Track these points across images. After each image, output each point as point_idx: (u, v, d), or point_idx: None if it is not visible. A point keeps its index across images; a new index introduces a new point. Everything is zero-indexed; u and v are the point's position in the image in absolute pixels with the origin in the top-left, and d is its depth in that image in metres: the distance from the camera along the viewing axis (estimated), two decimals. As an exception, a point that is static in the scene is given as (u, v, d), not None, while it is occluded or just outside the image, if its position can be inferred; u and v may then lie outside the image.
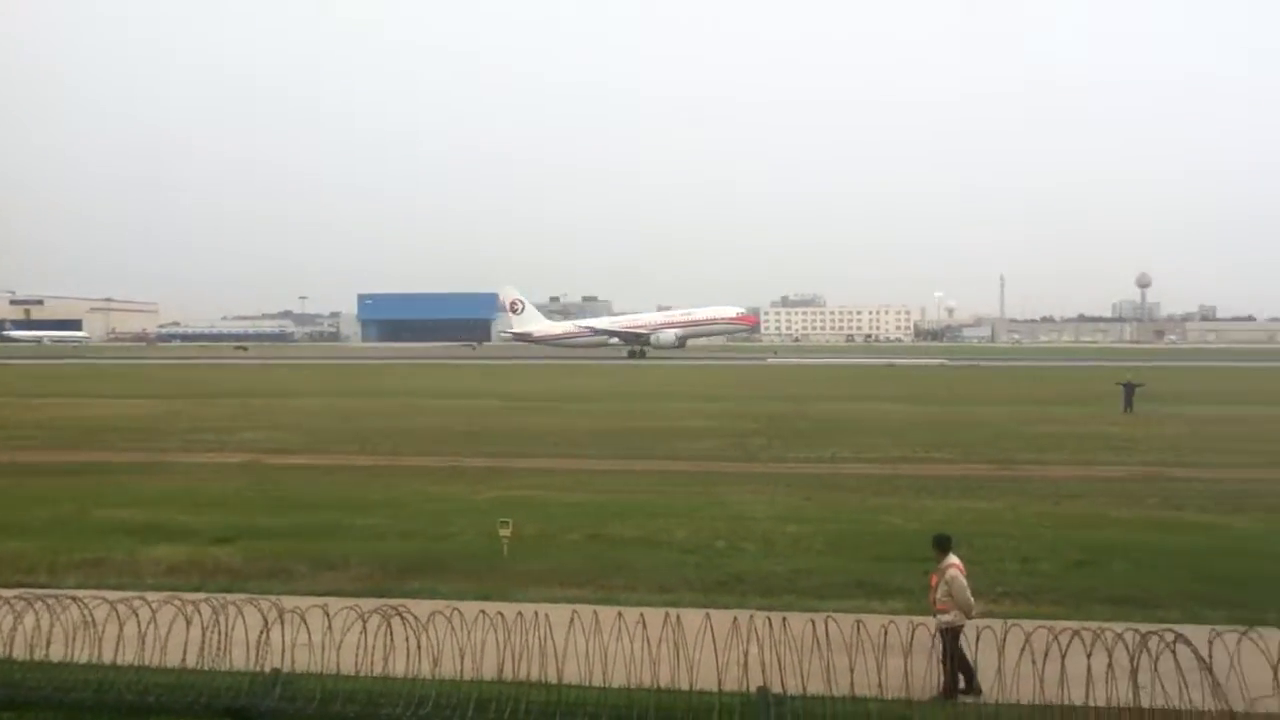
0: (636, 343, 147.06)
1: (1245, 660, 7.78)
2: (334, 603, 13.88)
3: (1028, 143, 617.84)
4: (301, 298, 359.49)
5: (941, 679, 12.41)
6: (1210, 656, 7.01)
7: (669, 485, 31.19)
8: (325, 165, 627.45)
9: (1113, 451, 39.70)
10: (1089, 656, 8.00)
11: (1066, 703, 8.02)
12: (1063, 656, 8.14)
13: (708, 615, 11.49)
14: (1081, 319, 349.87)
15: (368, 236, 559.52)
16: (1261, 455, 38.36)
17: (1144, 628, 7.56)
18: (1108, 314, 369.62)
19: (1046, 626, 9.04)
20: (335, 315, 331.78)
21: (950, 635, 12.86)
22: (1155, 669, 7.73)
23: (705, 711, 10.02)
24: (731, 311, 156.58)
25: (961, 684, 12.69)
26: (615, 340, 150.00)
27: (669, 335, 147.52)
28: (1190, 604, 17.60)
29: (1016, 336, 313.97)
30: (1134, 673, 7.43)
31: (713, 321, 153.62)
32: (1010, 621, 11.06)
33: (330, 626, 11.98)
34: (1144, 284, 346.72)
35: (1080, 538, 23.13)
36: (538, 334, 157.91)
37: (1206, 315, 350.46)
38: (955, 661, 12.75)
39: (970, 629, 12.27)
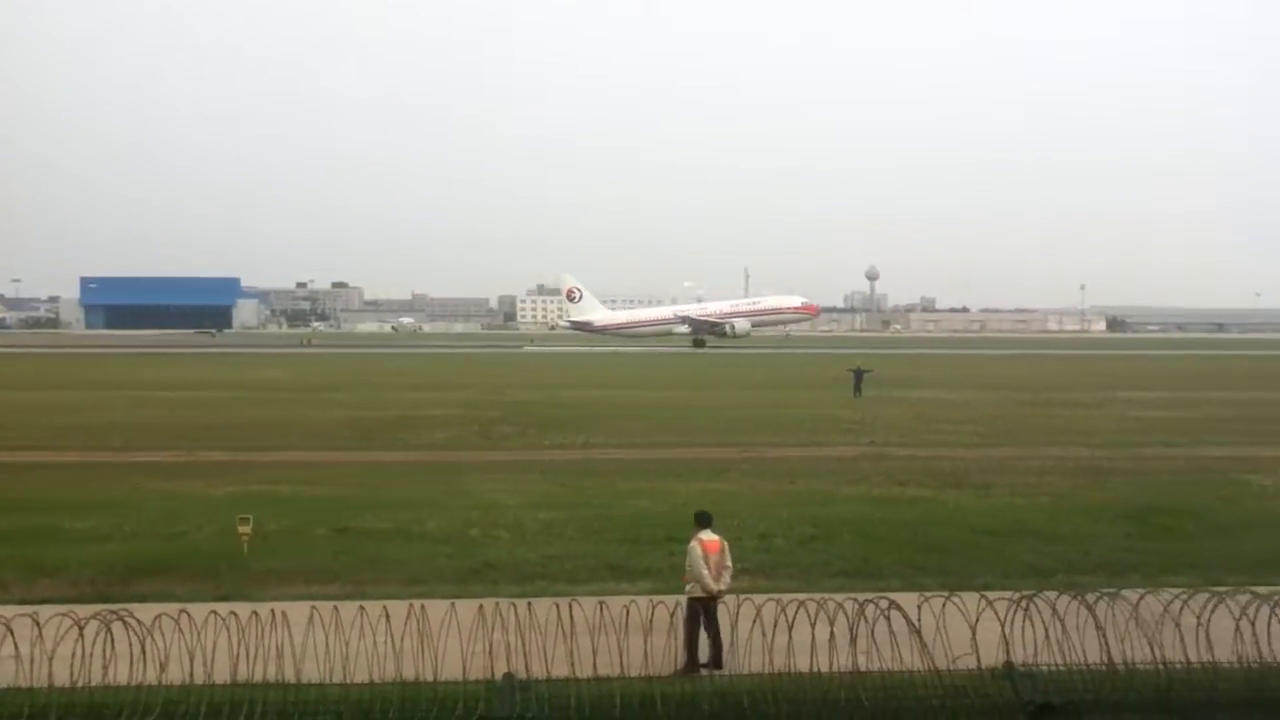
0: (709, 332, 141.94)
1: (950, 622, 8.50)
2: (45, 610, 12.77)
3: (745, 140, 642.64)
4: (14, 280, 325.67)
5: (684, 654, 12.89)
6: (920, 621, 7.64)
7: (421, 475, 30.72)
8: (31, 138, 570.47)
9: (843, 433, 42.40)
10: (813, 626, 8.54)
11: (794, 670, 8.51)
12: (790, 627, 8.65)
13: (453, 605, 11.39)
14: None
15: (91, 218, 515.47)
16: (974, 435, 42.07)
17: (863, 596, 8.14)
18: (840, 305, 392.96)
19: (777, 599, 9.58)
20: (54, 300, 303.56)
21: (696, 608, 13.37)
22: (872, 635, 8.31)
23: (451, 701, 9.95)
24: (797, 301, 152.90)
25: (705, 658, 13.23)
26: (685, 329, 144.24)
27: (744, 324, 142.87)
28: (910, 573, 19.09)
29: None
30: (853, 639, 7.99)
31: (778, 311, 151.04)
32: (743, 596, 11.63)
33: (40, 636, 11.01)
34: (872, 277, 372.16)
35: (812, 514, 24.56)
36: (599, 323, 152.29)
37: (927, 306, 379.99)
38: (695, 636, 13.28)
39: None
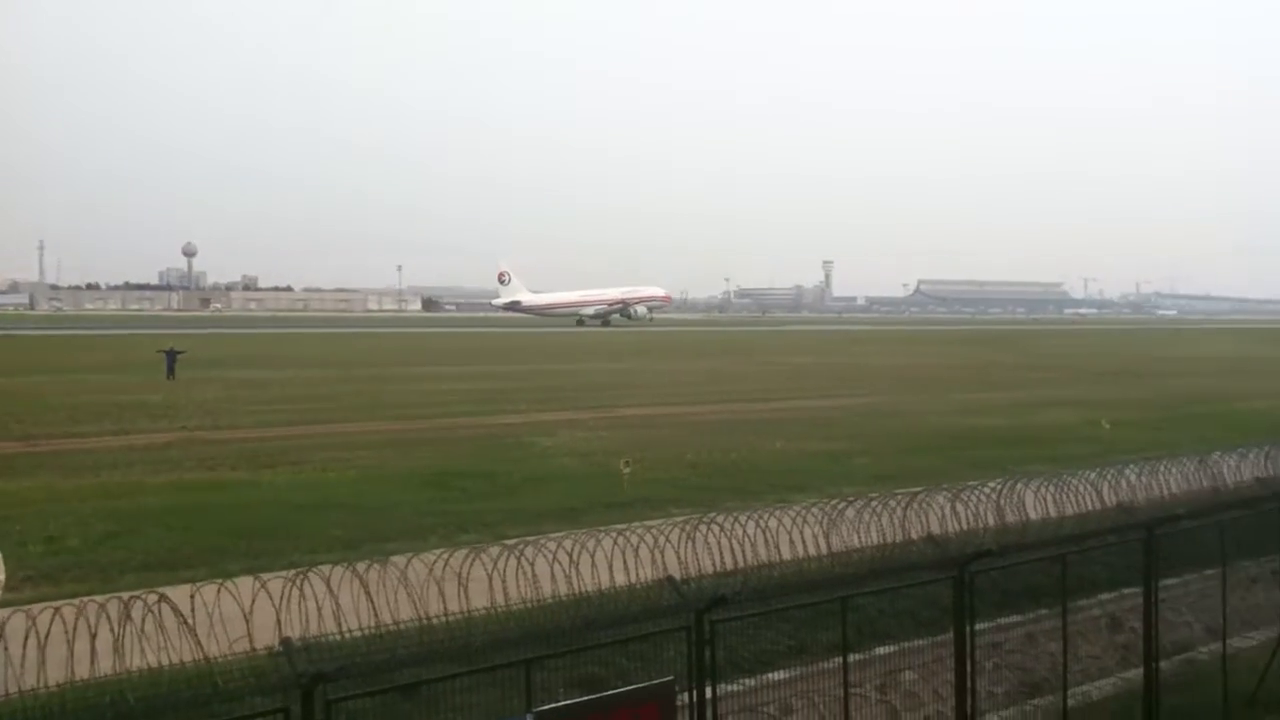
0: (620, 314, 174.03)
1: (226, 609, 8.34)
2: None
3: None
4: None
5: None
6: (194, 610, 7.48)
7: None
8: None
9: (154, 419, 39.82)
10: (94, 633, 7.89)
11: (56, 683, 7.80)
12: (71, 636, 7.92)
13: None
14: (129, 286, 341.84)
15: None
16: (290, 413, 42.09)
17: (129, 594, 7.69)
18: (155, 281, 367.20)
19: (56, 607, 8.67)
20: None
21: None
22: (142, 632, 7.90)
23: None
24: (659, 290, 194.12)
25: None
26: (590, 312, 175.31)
27: (642, 310, 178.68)
28: (218, 559, 18.51)
29: (59, 304, 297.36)
30: (118, 640, 7.49)
31: (649, 299, 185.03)
32: (16, 609, 10.36)
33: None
34: (190, 253, 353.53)
35: (115, 508, 22.78)
36: (525, 304, 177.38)
37: (249, 285, 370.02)
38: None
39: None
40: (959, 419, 41.63)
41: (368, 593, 7.84)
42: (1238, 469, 16.83)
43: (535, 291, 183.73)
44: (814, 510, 11.18)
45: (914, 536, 11.32)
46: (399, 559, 8.88)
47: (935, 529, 11.72)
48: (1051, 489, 13.49)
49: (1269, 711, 14.64)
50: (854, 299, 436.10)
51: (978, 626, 12.99)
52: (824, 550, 10.78)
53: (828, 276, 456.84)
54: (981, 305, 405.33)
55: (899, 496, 11.96)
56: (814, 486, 24.48)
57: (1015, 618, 15.25)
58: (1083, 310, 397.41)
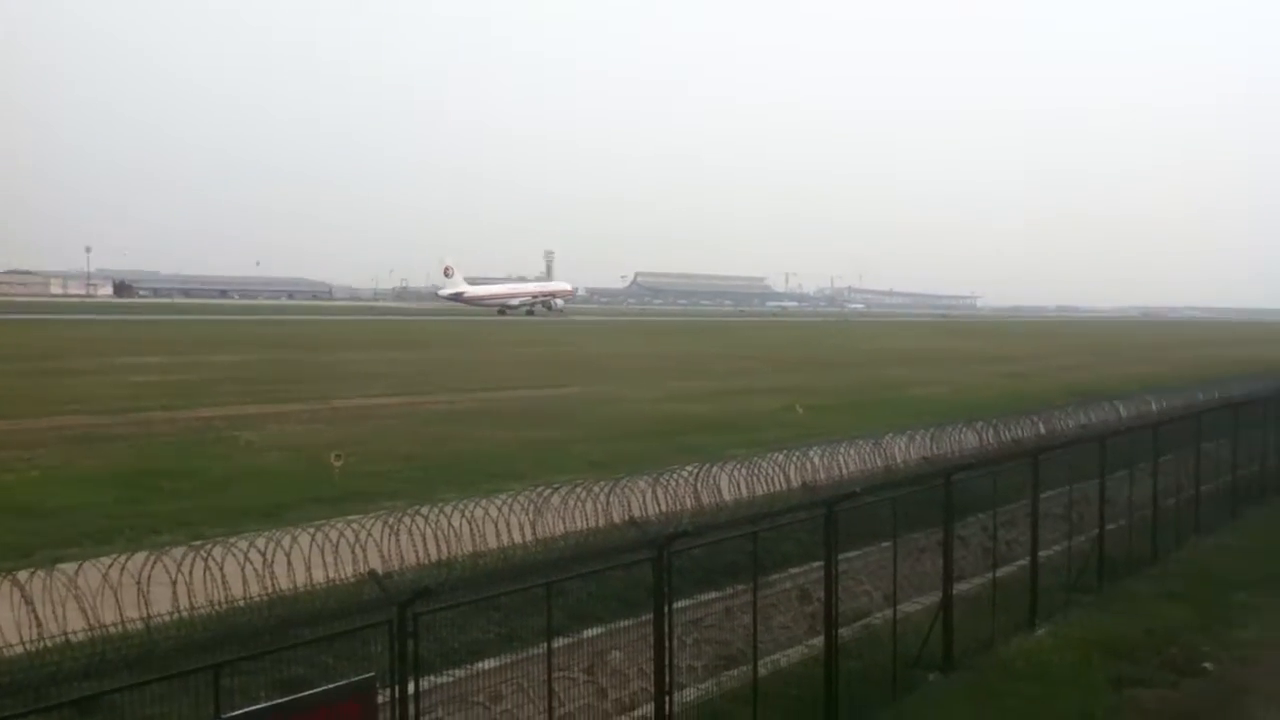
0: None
1: None
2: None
3: None
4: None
5: None
6: None
7: None
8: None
9: None
10: None
11: None
12: None
13: None
14: None
15: None
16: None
17: None
18: None
19: None
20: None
21: None
22: None
23: None
24: (567, 285, 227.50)
25: None
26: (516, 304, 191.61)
27: (560, 303, 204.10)
28: None
29: None
30: None
31: (560, 293, 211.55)
32: None
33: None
34: None
35: None
36: (466, 295, 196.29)
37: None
38: None
39: None
40: (671, 406, 43.36)
41: (29, 603, 7.19)
42: (908, 449, 18.57)
43: (473, 284, 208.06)
44: (520, 499, 11.34)
45: (617, 520, 11.73)
46: (68, 566, 8.21)
47: (637, 513, 12.20)
48: (744, 472, 14.36)
49: (930, 669, 16.29)
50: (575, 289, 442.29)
51: (681, 604, 13.66)
52: (530, 538, 10.97)
53: (549, 266, 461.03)
54: (694, 297, 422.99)
55: (603, 483, 12.35)
56: (530, 475, 24.74)
57: (715, 594, 16.10)
58: (784, 303, 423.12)
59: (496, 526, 10.68)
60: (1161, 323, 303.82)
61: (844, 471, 16.52)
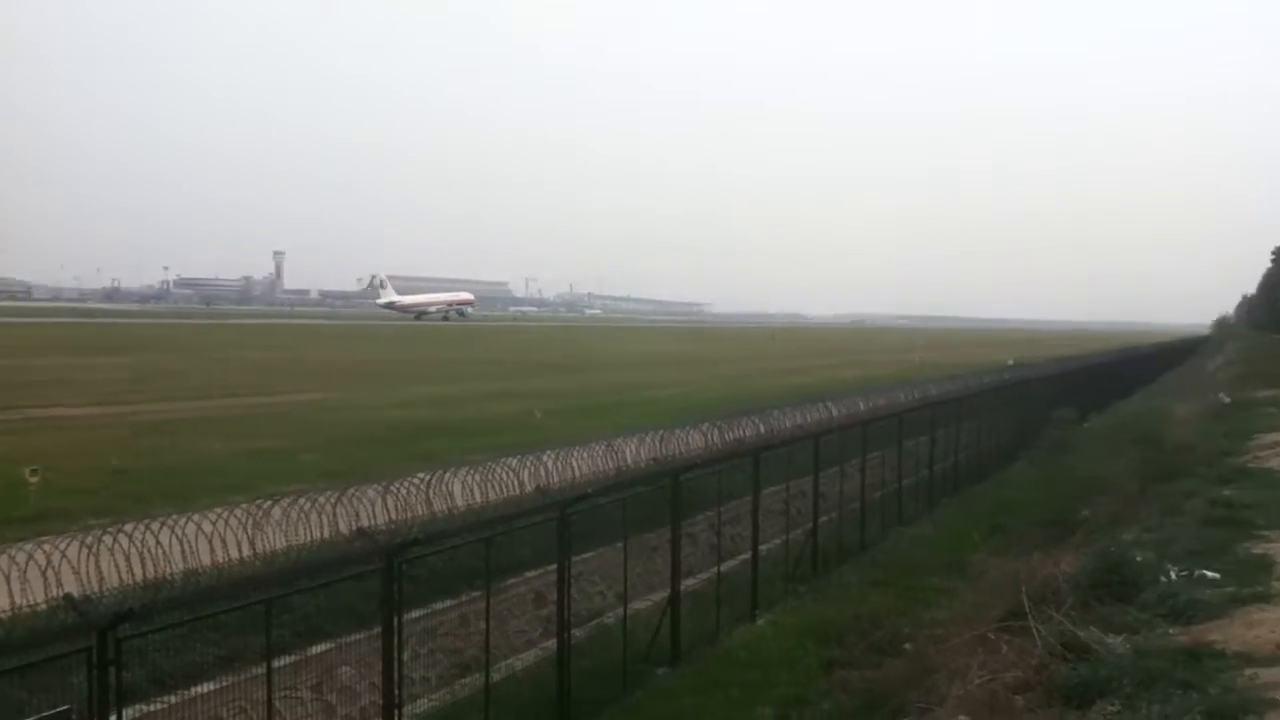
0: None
1: None
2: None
3: None
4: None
5: None
6: None
7: None
8: None
9: None
10: None
11: None
12: None
13: None
14: None
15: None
16: None
17: None
18: None
19: None
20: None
21: None
22: None
23: None
24: (468, 295, 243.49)
25: None
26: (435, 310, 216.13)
27: (470, 310, 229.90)
28: None
29: None
30: None
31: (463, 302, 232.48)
32: None
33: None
34: None
35: None
36: (398, 304, 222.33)
37: None
38: None
39: None
40: (406, 412, 42.51)
41: None
42: (638, 451, 19.14)
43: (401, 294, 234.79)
44: (238, 512, 10.81)
45: (345, 531, 11.41)
46: None
47: (366, 522, 11.92)
48: (478, 477, 14.34)
49: (659, 664, 16.86)
50: (307, 292, 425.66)
51: (415, 614, 13.47)
52: (249, 553, 10.48)
53: (279, 268, 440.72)
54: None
55: (329, 493, 11.98)
56: (253, 487, 23.53)
57: (450, 602, 15.98)
58: (525, 308, 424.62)
59: (211, 543, 10.12)
60: (872, 329, 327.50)
61: (577, 474, 16.82)
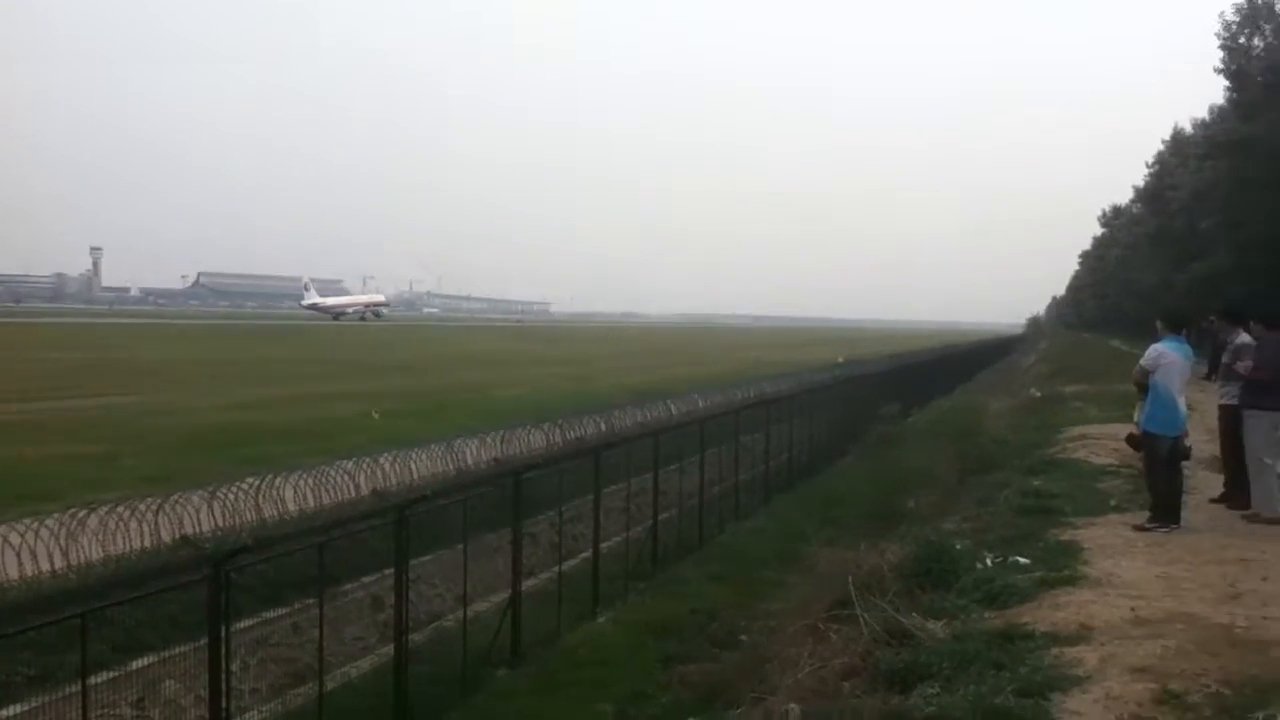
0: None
1: None
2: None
3: None
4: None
5: None
6: None
7: None
8: None
9: None
10: None
11: None
12: None
13: None
14: None
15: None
16: None
17: None
18: None
19: None
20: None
21: None
22: None
23: None
24: (381, 296, 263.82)
25: None
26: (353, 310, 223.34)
27: (385, 311, 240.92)
28: None
29: None
30: None
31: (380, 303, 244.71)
32: None
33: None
34: None
35: None
36: (320, 305, 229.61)
37: None
38: None
39: None
40: (237, 415, 40.82)
41: None
42: (479, 452, 19.00)
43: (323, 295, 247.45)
44: (49, 523, 10.23)
45: (167, 540, 10.94)
46: None
47: (191, 530, 11.46)
48: (311, 481, 13.97)
49: (499, 665, 16.81)
50: (128, 289, 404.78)
51: (245, 623, 13.03)
52: (62, 565, 9.93)
53: (96, 264, 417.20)
54: (266, 299, 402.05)
55: (150, 500, 11.46)
56: (68, 495, 22.20)
57: (282, 610, 15.50)
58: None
59: (20, 555, 9.54)
60: (708, 328, 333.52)
61: (416, 476, 16.59)
